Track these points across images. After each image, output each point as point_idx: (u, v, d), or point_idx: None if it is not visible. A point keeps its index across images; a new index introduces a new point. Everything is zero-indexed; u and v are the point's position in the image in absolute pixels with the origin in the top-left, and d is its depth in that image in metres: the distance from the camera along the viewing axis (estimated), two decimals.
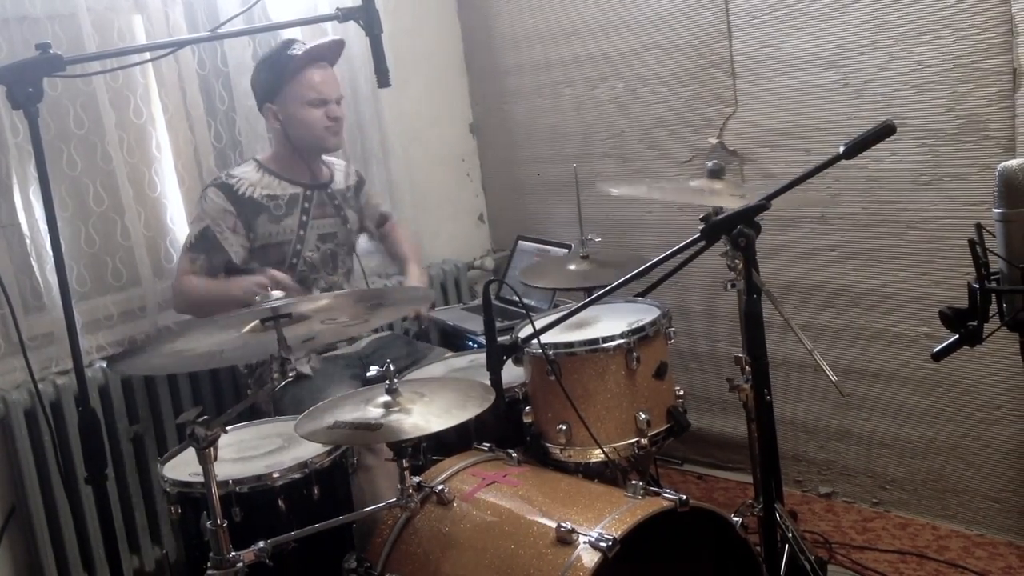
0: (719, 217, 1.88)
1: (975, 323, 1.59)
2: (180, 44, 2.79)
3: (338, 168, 3.01)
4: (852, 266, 2.86)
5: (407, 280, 3.05)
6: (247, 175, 2.79)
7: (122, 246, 2.84)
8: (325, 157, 2.94)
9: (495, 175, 3.90)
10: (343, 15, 2.18)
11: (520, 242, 3.44)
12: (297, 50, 2.75)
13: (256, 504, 2.04)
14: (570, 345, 2.22)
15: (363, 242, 3.15)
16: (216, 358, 1.99)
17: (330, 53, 2.83)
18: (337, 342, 2.87)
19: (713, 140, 3.09)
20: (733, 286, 2.08)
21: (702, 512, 1.95)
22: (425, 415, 1.95)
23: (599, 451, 2.18)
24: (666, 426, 2.27)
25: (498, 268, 3.83)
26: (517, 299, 2.26)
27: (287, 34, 3.16)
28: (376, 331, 3.04)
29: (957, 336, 1.62)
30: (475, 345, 3.00)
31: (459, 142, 3.87)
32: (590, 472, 2.26)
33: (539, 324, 2.19)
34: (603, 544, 1.74)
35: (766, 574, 1.99)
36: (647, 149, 3.30)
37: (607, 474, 2.28)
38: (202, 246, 2.71)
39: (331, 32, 3.26)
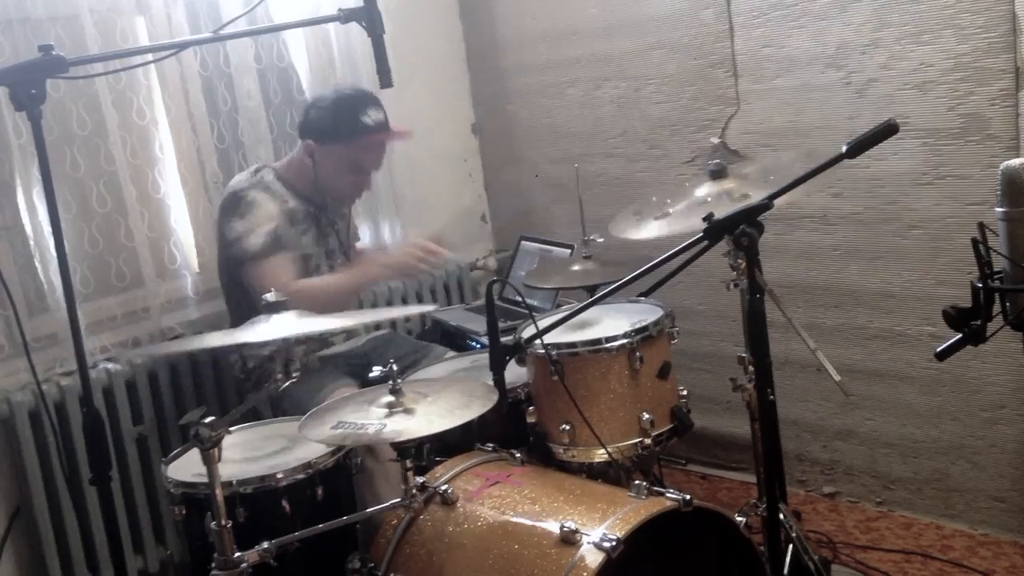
0: (722, 217, 1.88)
1: (979, 322, 1.59)
2: (183, 45, 2.79)
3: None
4: (855, 266, 2.86)
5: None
6: (275, 185, 2.75)
7: (125, 247, 2.84)
8: None
9: (498, 175, 3.90)
10: (345, 16, 2.18)
11: (523, 242, 3.44)
12: (369, 119, 2.67)
13: (260, 505, 2.05)
14: (573, 345, 2.22)
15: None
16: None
17: (397, 137, 2.81)
18: (334, 339, 2.87)
19: (715, 140, 3.09)
20: (736, 286, 2.08)
21: (706, 512, 1.95)
22: (428, 415, 1.95)
23: (602, 451, 2.18)
24: (669, 426, 2.27)
25: (501, 268, 3.83)
26: (520, 299, 2.26)
27: (290, 37, 3.17)
28: (376, 328, 3.04)
29: (961, 335, 1.62)
30: (478, 345, 3.00)
31: (461, 142, 3.87)
32: (594, 472, 2.26)
33: (542, 324, 2.19)
34: (607, 544, 1.75)
35: (770, 574, 1.99)
36: (650, 149, 3.30)
37: (611, 474, 2.28)
38: (279, 247, 2.65)
39: (333, 32, 3.27)
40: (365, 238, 3.28)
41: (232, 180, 2.80)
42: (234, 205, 2.68)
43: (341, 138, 2.68)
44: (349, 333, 2.94)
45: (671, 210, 2.38)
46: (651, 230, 2.35)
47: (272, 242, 2.65)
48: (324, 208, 2.84)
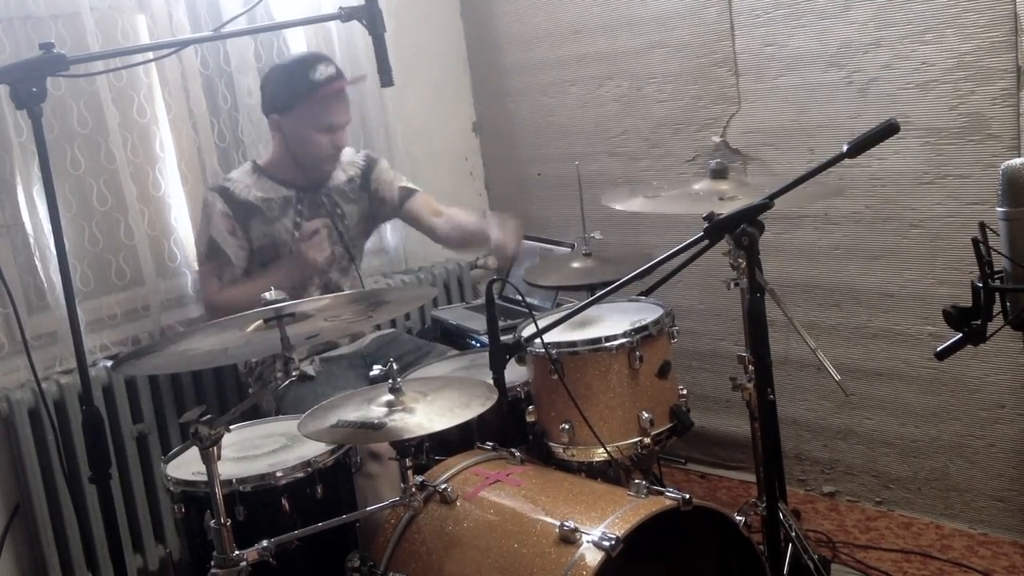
0: (722, 216, 1.88)
1: (979, 322, 1.59)
2: (183, 44, 2.79)
3: (338, 163, 2.94)
4: (855, 265, 2.86)
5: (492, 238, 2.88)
6: (242, 178, 2.81)
7: (125, 245, 2.84)
8: None
9: (498, 174, 3.90)
10: (346, 14, 2.18)
11: (524, 241, 3.43)
12: (319, 75, 2.68)
13: (260, 503, 2.05)
14: (573, 344, 2.22)
15: (369, 244, 3.15)
16: (220, 356, 1.99)
17: (351, 83, 2.80)
18: (339, 340, 2.87)
19: (717, 138, 3.08)
20: (736, 285, 2.08)
21: (705, 511, 1.94)
22: (428, 414, 1.95)
23: (602, 450, 2.18)
24: (669, 425, 2.27)
25: (501, 267, 3.82)
26: (520, 298, 2.26)
27: (291, 36, 3.17)
28: (378, 328, 3.04)
29: (961, 335, 1.62)
30: (478, 344, 3.00)
31: (462, 141, 3.87)
32: (593, 471, 2.26)
33: (542, 323, 2.19)
34: (606, 543, 1.74)
35: (769, 573, 1.99)
36: (652, 148, 3.29)
37: (610, 473, 2.28)
38: (212, 256, 2.73)
39: (334, 30, 3.27)
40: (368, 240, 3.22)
41: None
42: (201, 206, 2.81)
43: (299, 99, 2.69)
44: (354, 335, 2.95)
45: (662, 194, 2.39)
46: (636, 205, 2.38)
47: (207, 250, 2.74)
48: (312, 191, 2.85)
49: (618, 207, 2.40)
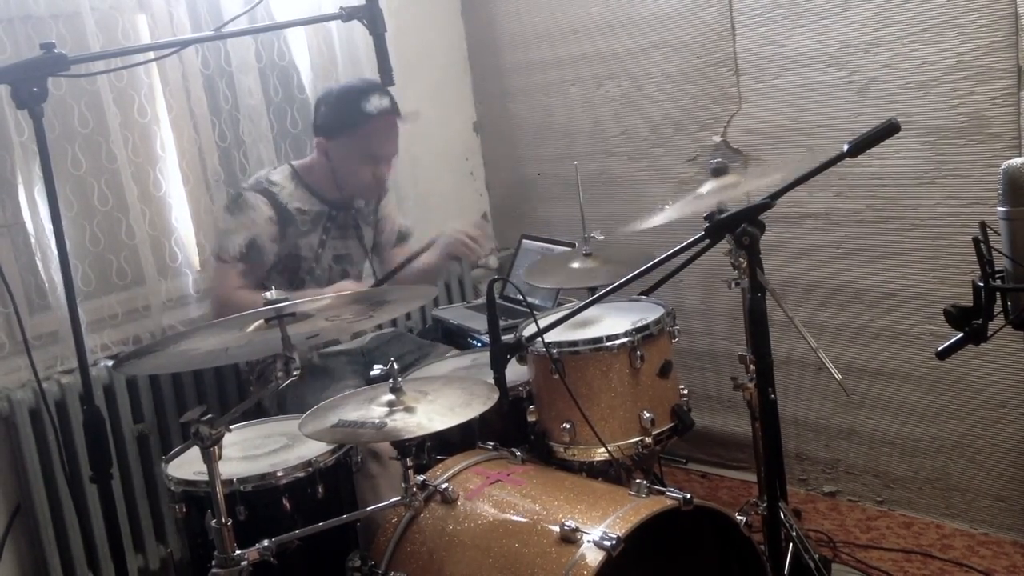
0: (723, 215, 1.88)
1: (980, 321, 1.59)
2: (184, 43, 2.79)
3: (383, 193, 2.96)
4: (857, 264, 2.86)
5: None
6: (285, 184, 2.76)
7: (127, 245, 2.84)
8: None
9: (499, 174, 3.90)
10: (347, 14, 2.18)
11: (524, 241, 3.44)
12: (372, 107, 2.64)
13: (260, 503, 2.05)
14: (574, 344, 2.22)
15: None
16: (221, 356, 2.00)
17: (404, 119, 2.74)
18: (340, 338, 2.87)
19: (717, 138, 3.08)
20: (737, 284, 2.08)
21: (706, 511, 1.95)
22: (429, 414, 1.95)
23: (603, 450, 2.18)
24: (670, 425, 2.27)
25: (502, 267, 3.82)
26: (521, 298, 2.26)
27: (291, 36, 3.17)
28: (379, 328, 3.04)
29: (962, 334, 1.62)
30: (479, 344, 3.00)
31: (463, 141, 3.87)
32: (594, 471, 2.26)
33: (543, 323, 2.19)
34: (607, 543, 1.75)
35: (770, 573, 1.99)
36: (652, 147, 3.29)
37: (611, 473, 2.28)
38: (251, 256, 2.68)
39: (335, 30, 3.27)
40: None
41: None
42: (233, 200, 2.74)
43: (346, 130, 2.68)
44: (356, 332, 2.95)
45: (667, 207, 2.39)
46: (653, 221, 2.37)
47: (247, 250, 2.68)
48: (345, 209, 2.84)
49: (639, 228, 2.39)
